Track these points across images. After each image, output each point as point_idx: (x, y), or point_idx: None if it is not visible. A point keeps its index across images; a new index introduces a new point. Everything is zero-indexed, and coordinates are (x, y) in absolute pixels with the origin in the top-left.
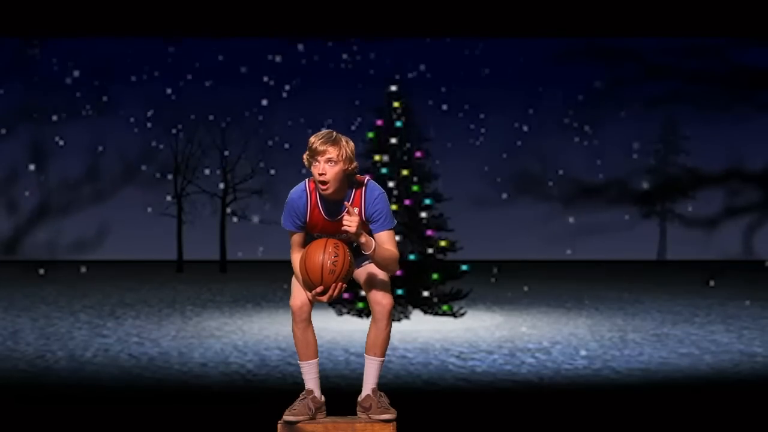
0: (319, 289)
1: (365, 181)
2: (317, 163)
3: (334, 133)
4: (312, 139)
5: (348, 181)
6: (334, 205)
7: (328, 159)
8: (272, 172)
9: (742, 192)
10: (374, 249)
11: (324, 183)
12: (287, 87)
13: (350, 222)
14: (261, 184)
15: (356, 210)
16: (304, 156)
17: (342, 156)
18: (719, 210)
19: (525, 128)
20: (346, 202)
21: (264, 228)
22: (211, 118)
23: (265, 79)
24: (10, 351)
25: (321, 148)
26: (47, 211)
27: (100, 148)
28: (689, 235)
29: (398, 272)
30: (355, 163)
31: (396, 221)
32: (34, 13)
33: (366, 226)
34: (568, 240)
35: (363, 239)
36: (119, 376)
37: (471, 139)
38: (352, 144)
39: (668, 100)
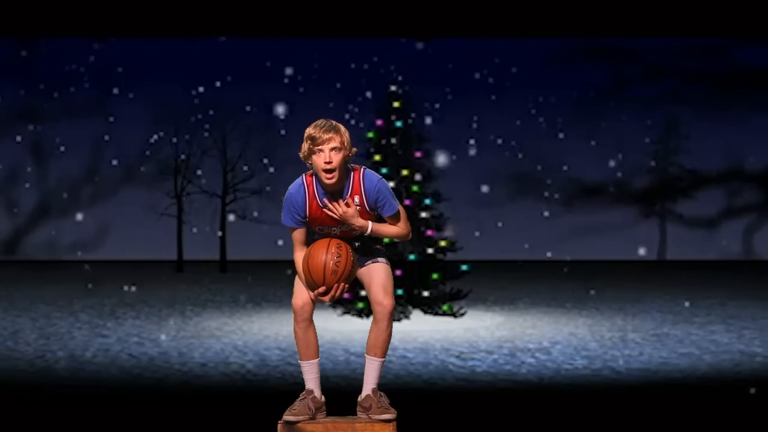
0: (322, 289)
1: (361, 169)
2: (322, 152)
3: (333, 121)
4: (311, 129)
5: (345, 169)
6: (332, 196)
7: (333, 147)
8: (271, 170)
9: (742, 192)
10: (371, 229)
11: (331, 171)
12: (287, 87)
13: (336, 211)
14: (260, 184)
15: (356, 199)
16: (304, 147)
17: (344, 143)
18: (719, 210)
19: (525, 128)
20: (347, 197)
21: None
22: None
23: (266, 79)
24: (10, 351)
25: (326, 136)
26: (47, 211)
27: (101, 148)
28: (689, 235)
29: (398, 272)
30: (354, 149)
31: (398, 201)
32: (34, 13)
33: (369, 214)
34: (568, 240)
35: (358, 224)
36: (119, 376)
37: (471, 139)
38: (347, 130)
39: (668, 100)
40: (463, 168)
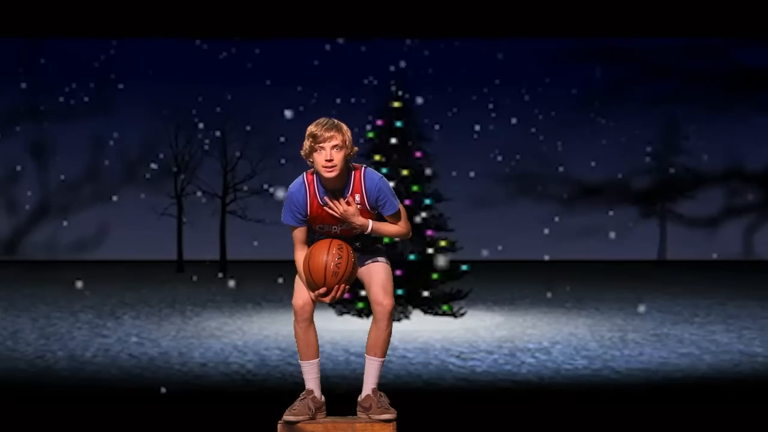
0: (322, 290)
1: (362, 168)
2: (323, 150)
3: (335, 120)
4: (313, 127)
5: (346, 168)
6: (333, 194)
7: (335, 145)
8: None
9: (742, 192)
10: (371, 228)
11: (332, 169)
12: (287, 87)
13: (337, 209)
14: (260, 184)
15: (357, 198)
16: (305, 144)
17: (345, 141)
18: (719, 210)
19: (525, 128)
20: (348, 196)
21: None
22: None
23: (267, 79)
24: (10, 351)
25: (327, 134)
26: (47, 211)
27: (101, 148)
28: (689, 235)
29: (398, 272)
30: (355, 148)
31: (398, 200)
32: (34, 13)
33: (370, 213)
34: (567, 240)
35: (358, 222)
36: (119, 376)
37: (471, 138)
38: (349, 129)
39: (668, 100)
40: (463, 168)
